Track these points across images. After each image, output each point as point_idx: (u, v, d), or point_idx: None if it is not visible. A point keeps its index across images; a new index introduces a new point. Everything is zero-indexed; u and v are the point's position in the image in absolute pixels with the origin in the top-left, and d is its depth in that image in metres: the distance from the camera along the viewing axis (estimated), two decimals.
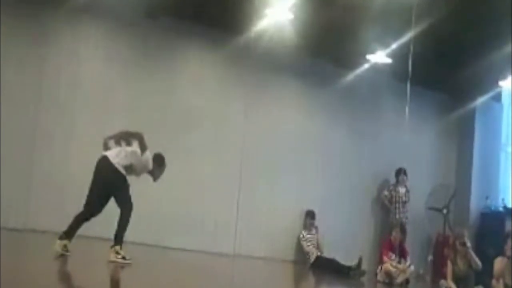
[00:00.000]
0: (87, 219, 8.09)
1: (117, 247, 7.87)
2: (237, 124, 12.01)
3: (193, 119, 11.57)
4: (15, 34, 10.07)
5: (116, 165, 8.01)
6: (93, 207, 8.04)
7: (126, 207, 8.05)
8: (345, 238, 12.84)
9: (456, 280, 10.11)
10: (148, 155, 8.17)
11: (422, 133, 14.10)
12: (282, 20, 10.64)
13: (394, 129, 12.94)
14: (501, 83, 13.32)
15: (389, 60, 12.15)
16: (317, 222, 12.57)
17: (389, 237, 12.08)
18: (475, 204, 14.51)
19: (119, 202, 8.08)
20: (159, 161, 8.39)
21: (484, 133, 14.76)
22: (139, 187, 11.02)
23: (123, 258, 7.84)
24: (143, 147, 8.10)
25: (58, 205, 10.34)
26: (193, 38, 11.66)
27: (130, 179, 8.30)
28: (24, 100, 10.27)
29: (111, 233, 8.09)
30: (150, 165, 8.22)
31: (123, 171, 8.04)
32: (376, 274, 11.90)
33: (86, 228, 8.30)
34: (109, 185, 8.04)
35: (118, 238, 7.94)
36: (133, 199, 10.90)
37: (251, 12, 10.45)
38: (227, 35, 11.33)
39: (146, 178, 11.02)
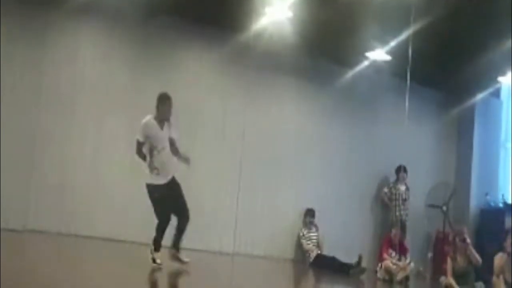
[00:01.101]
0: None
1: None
2: (237, 122, 12.15)
3: (192, 119, 11.71)
4: (15, 34, 10.20)
5: (150, 182, 8.30)
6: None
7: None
8: (345, 236, 13.01)
9: (456, 276, 10.24)
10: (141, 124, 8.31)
11: (422, 130, 14.28)
12: (281, 19, 10.77)
13: (394, 126, 13.10)
14: (500, 79, 13.50)
15: (388, 58, 12.32)
16: (317, 220, 12.76)
17: (389, 234, 12.28)
18: (474, 200, 14.70)
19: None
20: (159, 100, 8.37)
21: (484, 129, 14.95)
22: (138, 187, 11.28)
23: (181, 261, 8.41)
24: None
25: (57, 206, 10.54)
26: (192, 37, 11.80)
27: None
28: (24, 101, 10.41)
29: None
30: (137, 134, 8.26)
31: (157, 181, 8.26)
32: (376, 272, 12.13)
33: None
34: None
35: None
36: (132, 200, 11.18)
37: (250, 11, 10.57)
38: (226, 34, 11.46)
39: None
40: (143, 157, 8.26)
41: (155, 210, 8.33)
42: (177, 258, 8.41)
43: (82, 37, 11.02)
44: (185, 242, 11.28)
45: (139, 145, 8.22)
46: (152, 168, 8.22)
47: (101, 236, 10.71)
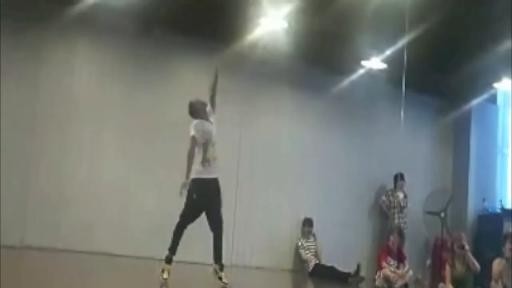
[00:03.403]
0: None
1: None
2: (233, 133, 12.33)
3: (188, 131, 11.92)
4: (10, 50, 10.44)
5: (198, 176, 8.48)
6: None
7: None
8: (343, 245, 13.29)
9: (455, 283, 10.44)
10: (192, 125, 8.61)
11: (418, 137, 14.59)
12: (276, 29, 11.09)
13: (390, 134, 13.30)
14: (496, 85, 13.86)
15: (384, 66, 12.66)
16: (315, 230, 13.04)
17: (387, 242, 12.39)
18: (472, 206, 15.00)
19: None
20: (193, 106, 8.75)
21: (480, 135, 15.26)
22: (134, 200, 11.54)
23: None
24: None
25: (54, 221, 10.81)
26: (187, 49, 12.09)
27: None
28: (20, 116, 10.66)
29: None
30: (192, 131, 8.54)
31: (207, 174, 8.48)
32: (374, 280, 12.33)
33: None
34: None
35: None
36: (130, 214, 11.40)
37: (245, 22, 10.88)
38: (221, 45, 11.69)
39: (136, 190, 11.46)
40: (192, 157, 8.46)
41: (184, 209, 8.53)
42: (217, 276, 8.56)
43: (77, 52, 11.33)
44: (182, 255, 11.55)
45: (194, 142, 8.47)
46: (205, 160, 8.44)
47: (99, 251, 10.97)
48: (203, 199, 8.50)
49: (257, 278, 11.83)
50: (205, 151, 8.50)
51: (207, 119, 8.69)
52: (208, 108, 8.78)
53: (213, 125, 8.71)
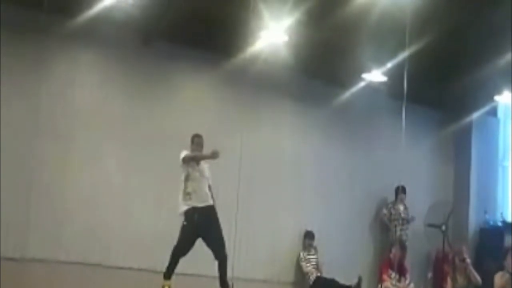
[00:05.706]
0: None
1: None
2: (234, 146, 12.26)
3: (189, 143, 12.07)
4: (12, 62, 10.59)
5: (183, 208, 8.82)
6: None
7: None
8: (344, 257, 13.35)
9: None
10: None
11: (419, 150, 14.64)
12: (277, 42, 11.26)
13: (391, 146, 13.36)
14: (496, 97, 14.02)
15: (384, 79, 12.82)
16: (316, 243, 13.13)
17: (388, 255, 12.46)
18: (473, 219, 15.07)
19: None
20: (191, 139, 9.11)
21: (481, 148, 15.34)
22: (134, 211, 11.66)
23: None
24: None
25: (56, 233, 10.91)
26: (188, 62, 12.24)
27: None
28: (21, 127, 10.78)
29: None
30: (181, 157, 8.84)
31: (191, 204, 8.75)
32: None
33: None
34: None
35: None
36: (130, 224, 11.52)
37: (246, 35, 10.99)
38: (222, 58, 11.88)
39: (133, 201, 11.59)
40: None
41: (178, 237, 8.73)
42: None
43: (79, 64, 11.47)
44: (183, 267, 11.63)
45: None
46: (185, 194, 8.73)
47: (101, 263, 11.08)
48: (191, 227, 8.68)
49: None
50: (185, 184, 8.82)
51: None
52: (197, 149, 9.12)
53: (199, 165, 9.00)
